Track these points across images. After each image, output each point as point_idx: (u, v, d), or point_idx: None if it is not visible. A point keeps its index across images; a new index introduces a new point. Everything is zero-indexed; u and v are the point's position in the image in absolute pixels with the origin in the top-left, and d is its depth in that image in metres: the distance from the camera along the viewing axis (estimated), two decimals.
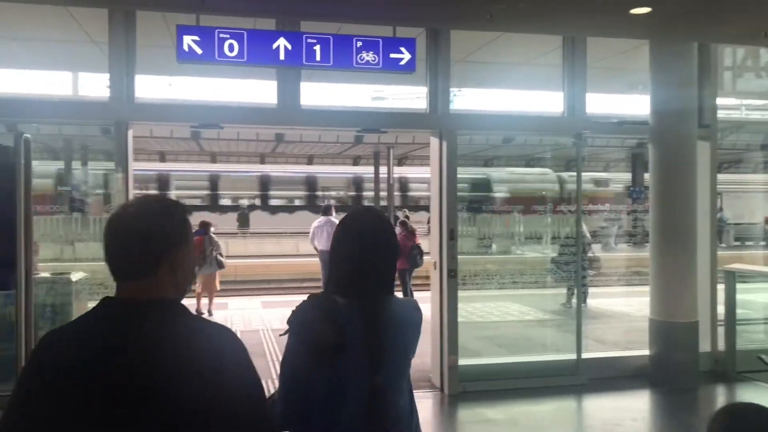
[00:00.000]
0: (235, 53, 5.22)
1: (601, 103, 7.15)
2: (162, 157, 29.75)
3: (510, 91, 8.63)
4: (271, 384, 6.60)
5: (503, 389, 6.37)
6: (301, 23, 5.79)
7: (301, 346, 1.80)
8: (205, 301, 10.79)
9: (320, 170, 30.96)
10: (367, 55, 5.42)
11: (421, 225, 15.93)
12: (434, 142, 6.50)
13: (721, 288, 6.98)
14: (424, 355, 7.83)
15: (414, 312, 2.00)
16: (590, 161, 7.13)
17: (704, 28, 5.94)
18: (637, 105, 8.63)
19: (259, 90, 7.80)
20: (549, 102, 7.52)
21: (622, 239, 7.36)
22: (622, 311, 10.03)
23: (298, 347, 1.81)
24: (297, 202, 28.96)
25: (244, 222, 26.98)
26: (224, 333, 1.49)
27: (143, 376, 1.36)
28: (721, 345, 6.98)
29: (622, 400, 6.18)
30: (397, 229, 12.41)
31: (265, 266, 20.45)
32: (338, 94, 8.55)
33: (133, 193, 5.85)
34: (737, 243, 20.64)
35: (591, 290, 7.24)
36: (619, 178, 15.24)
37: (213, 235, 10.93)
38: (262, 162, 32.86)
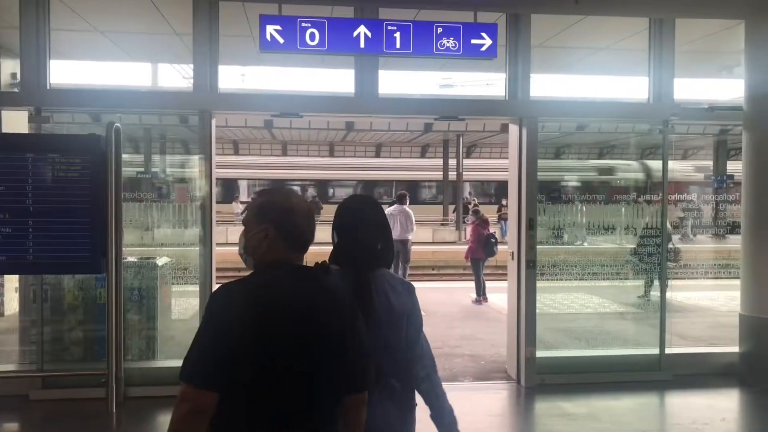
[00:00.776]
0: (316, 42, 5.24)
1: (686, 89, 6.80)
2: (235, 148, 30.58)
3: (589, 77, 8.35)
4: None
5: (582, 383, 6.22)
6: (380, 10, 5.77)
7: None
8: None
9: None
10: (448, 42, 5.34)
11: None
12: (513, 129, 6.37)
13: None
14: (499, 346, 7.77)
15: (402, 284, 2.46)
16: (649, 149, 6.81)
17: None
18: (725, 90, 8.21)
19: (332, 80, 7.87)
20: (631, 88, 7.24)
21: (699, 230, 6.98)
22: (704, 305, 9.62)
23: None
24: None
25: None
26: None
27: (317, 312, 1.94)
28: None
29: (709, 398, 5.91)
30: (470, 218, 12.28)
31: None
32: (406, 83, 8.49)
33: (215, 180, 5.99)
34: None
35: (669, 283, 6.99)
36: (696, 167, 14.58)
37: None
38: (331, 153, 33.33)
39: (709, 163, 18.48)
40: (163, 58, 8.58)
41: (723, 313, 8.18)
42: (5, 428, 5.37)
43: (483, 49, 5.39)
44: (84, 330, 5.94)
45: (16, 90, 5.94)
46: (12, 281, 8.59)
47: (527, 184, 6.13)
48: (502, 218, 23.15)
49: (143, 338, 6.07)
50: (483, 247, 11.27)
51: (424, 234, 22.71)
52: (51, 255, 5.19)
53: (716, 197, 6.96)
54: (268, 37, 5.20)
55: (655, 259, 6.53)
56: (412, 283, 2.55)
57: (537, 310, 6.21)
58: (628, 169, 7.05)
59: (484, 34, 5.35)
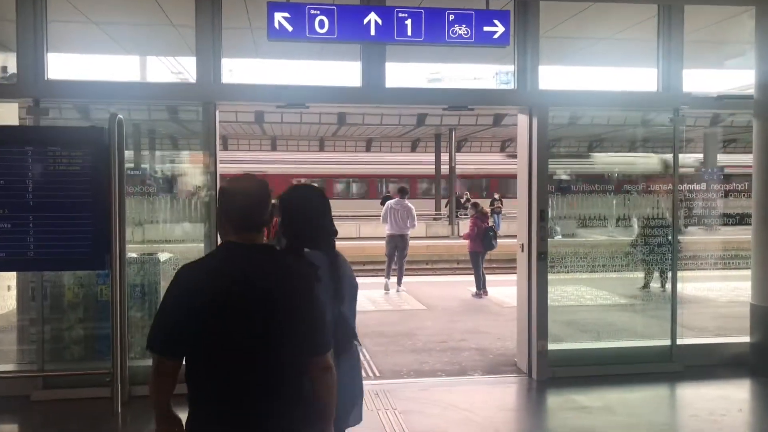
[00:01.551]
0: (325, 30, 5.10)
1: (693, 80, 6.72)
2: (224, 143, 30.34)
3: (595, 69, 8.26)
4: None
5: (594, 375, 6.15)
6: None
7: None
8: None
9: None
10: (460, 29, 5.22)
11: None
12: (522, 119, 6.27)
13: None
14: (505, 339, 7.70)
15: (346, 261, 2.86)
16: (660, 141, 6.72)
17: None
18: (731, 81, 8.15)
19: (333, 73, 7.71)
20: (638, 80, 7.17)
21: (691, 222, 6.88)
22: (708, 296, 9.56)
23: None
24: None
25: None
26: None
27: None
28: None
29: (723, 389, 5.86)
30: (470, 211, 12.16)
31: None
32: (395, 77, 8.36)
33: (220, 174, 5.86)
34: None
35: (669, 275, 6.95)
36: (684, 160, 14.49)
37: None
38: (321, 148, 33.18)
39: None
40: (161, 51, 8.40)
41: (726, 304, 8.12)
42: (7, 431, 5.21)
43: (495, 36, 5.28)
44: (85, 328, 5.78)
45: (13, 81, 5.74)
46: (4, 279, 8.39)
47: (538, 174, 6.04)
48: (495, 212, 23.13)
49: (146, 335, 5.91)
50: (481, 240, 11.18)
51: (418, 228, 22.63)
52: (52, 251, 5.00)
53: (723, 188, 6.85)
54: (277, 25, 5.05)
55: (664, 250, 6.47)
56: None
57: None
58: (636, 162, 6.98)
59: (496, 21, 5.24)
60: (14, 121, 6.18)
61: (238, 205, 2.19)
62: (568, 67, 7.99)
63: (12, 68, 6.03)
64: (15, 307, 6.14)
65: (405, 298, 10.78)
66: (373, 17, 5.16)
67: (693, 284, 6.89)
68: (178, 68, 8.28)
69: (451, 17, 5.21)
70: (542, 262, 6.05)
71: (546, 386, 5.99)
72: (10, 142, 4.98)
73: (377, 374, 6.35)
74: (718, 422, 5.06)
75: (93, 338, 5.82)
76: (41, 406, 5.44)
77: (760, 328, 6.25)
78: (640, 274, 6.76)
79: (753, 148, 6.32)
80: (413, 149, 34.71)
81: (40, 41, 5.61)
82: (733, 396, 5.73)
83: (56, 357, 5.68)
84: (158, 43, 8.07)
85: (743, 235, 6.68)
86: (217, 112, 5.77)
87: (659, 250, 6.48)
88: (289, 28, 5.07)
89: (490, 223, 11.55)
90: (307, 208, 2.77)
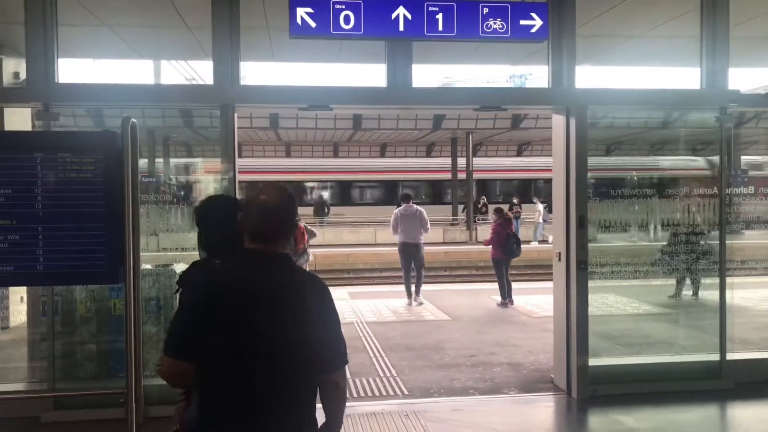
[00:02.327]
0: (351, 26, 4.77)
1: (737, 77, 6.33)
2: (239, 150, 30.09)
3: (632, 69, 7.88)
4: (373, 382, 6.21)
5: (636, 393, 5.76)
6: None
7: (199, 297, 2.19)
8: None
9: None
10: (495, 23, 4.87)
11: None
12: (558, 120, 5.90)
13: None
14: (537, 353, 7.31)
15: None
16: (706, 141, 6.31)
17: None
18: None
19: (353, 75, 7.40)
20: (679, 79, 6.79)
21: (739, 227, 6.43)
22: (740, 305, 9.06)
23: (195, 299, 2.21)
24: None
25: (320, 211, 26.94)
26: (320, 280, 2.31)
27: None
28: None
29: None
30: (493, 217, 11.74)
31: (345, 255, 20.26)
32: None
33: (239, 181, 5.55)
34: None
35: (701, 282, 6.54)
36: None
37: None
38: (336, 154, 32.93)
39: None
40: (174, 54, 8.14)
41: (761, 313, 7.65)
42: None
43: (533, 30, 4.93)
44: (98, 344, 5.48)
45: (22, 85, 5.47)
46: (17, 291, 8.14)
47: (576, 178, 5.66)
48: (515, 216, 22.70)
49: (161, 352, 5.59)
50: (503, 247, 10.78)
51: (435, 234, 22.26)
52: (63, 264, 4.66)
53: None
54: (299, 20, 4.73)
55: (712, 258, 6.07)
56: None
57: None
58: (679, 164, 6.58)
59: (534, 14, 4.89)
60: (27, 127, 5.91)
61: (249, 215, 2.22)
62: (602, 67, 7.61)
63: (23, 73, 5.78)
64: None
65: (428, 307, 10.40)
66: (401, 11, 4.82)
67: (737, 292, 6.46)
68: (191, 73, 8.01)
69: (486, 10, 4.86)
70: (582, 272, 5.67)
71: (587, 405, 5.60)
72: (18, 148, 4.67)
73: (405, 392, 5.99)
74: None
75: (106, 355, 5.52)
76: (52, 428, 5.12)
77: None
78: (686, 282, 6.34)
79: None
80: (428, 153, 34.37)
81: (51, 43, 5.34)
82: None
83: (68, 375, 5.38)
84: (171, 47, 7.81)
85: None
86: (235, 116, 5.46)
87: (705, 258, 6.08)
88: (312, 24, 4.75)
89: (513, 230, 11.13)
90: (218, 219, 2.71)
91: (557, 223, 5.99)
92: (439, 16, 4.82)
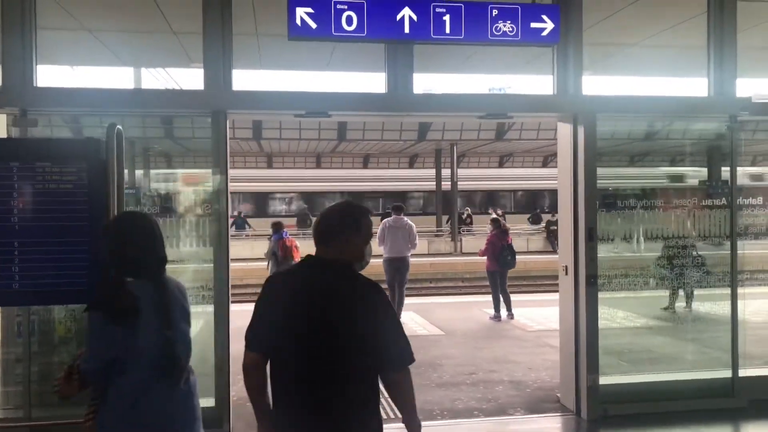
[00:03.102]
0: (353, 27, 4.50)
1: (744, 86, 6.16)
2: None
3: (639, 78, 7.69)
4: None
5: (646, 413, 5.52)
6: None
7: (106, 315, 2.47)
8: None
9: None
10: (504, 26, 4.63)
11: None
12: (564, 128, 5.67)
13: None
14: (538, 370, 7.04)
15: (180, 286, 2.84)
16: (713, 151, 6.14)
17: None
18: None
19: (349, 82, 7.14)
20: (685, 88, 6.61)
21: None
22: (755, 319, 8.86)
23: (104, 317, 2.48)
24: None
25: (303, 222, 26.58)
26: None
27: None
28: None
29: None
30: (490, 227, 11.45)
31: None
32: None
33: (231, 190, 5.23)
34: None
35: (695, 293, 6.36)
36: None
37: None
38: (318, 165, 32.64)
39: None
40: (159, 61, 7.79)
41: (759, 326, 7.46)
42: None
43: (544, 33, 4.70)
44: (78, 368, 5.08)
45: None
46: None
47: (585, 189, 5.43)
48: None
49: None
50: (497, 258, 10.53)
51: (420, 245, 22.02)
52: (41, 282, 4.30)
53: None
54: (298, 21, 4.44)
55: (720, 269, 5.87)
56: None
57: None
58: (688, 174, 6.39)
59: (545, 17, 4.67)
60: (2, 134, 5.53)
61: (317, 221, 2.60)
62: (605, 77, 7.42)
63: None
64: None
65: (419, 321, 10.09)
66: (407, 12, 4.56)
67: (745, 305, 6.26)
68: (176, 82, 7.67)
69: (495, 12, 4.62)
70: (592, 288, 5.42)
71: (599, 427, 5.34)
72: None
73: None
74: None
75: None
76: None
77: None
78: (697, 293, 6.12)
79: None
80: (411, 165, 34.22)
81: (29, 45, 5.00)
82: None
83: (45, 401, 4.98)
84: (157, 53, 7.49)
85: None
86: (228, 123, 5.15)
87: (715, 270, 5.88)
88: (313, 25, 4.46)
89: (509, 241, 10.89)
90: (126, 237, 2.73)
91: (563, 235, 5.75)
92: (447, 18, 4.57)
